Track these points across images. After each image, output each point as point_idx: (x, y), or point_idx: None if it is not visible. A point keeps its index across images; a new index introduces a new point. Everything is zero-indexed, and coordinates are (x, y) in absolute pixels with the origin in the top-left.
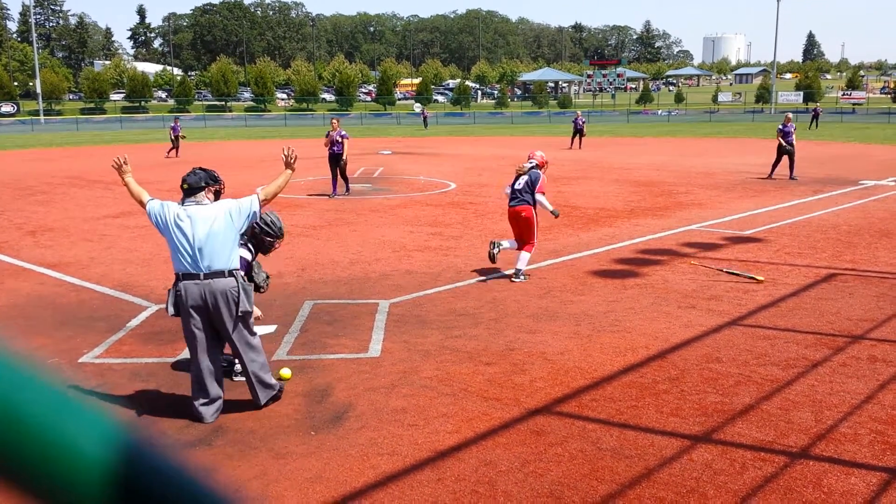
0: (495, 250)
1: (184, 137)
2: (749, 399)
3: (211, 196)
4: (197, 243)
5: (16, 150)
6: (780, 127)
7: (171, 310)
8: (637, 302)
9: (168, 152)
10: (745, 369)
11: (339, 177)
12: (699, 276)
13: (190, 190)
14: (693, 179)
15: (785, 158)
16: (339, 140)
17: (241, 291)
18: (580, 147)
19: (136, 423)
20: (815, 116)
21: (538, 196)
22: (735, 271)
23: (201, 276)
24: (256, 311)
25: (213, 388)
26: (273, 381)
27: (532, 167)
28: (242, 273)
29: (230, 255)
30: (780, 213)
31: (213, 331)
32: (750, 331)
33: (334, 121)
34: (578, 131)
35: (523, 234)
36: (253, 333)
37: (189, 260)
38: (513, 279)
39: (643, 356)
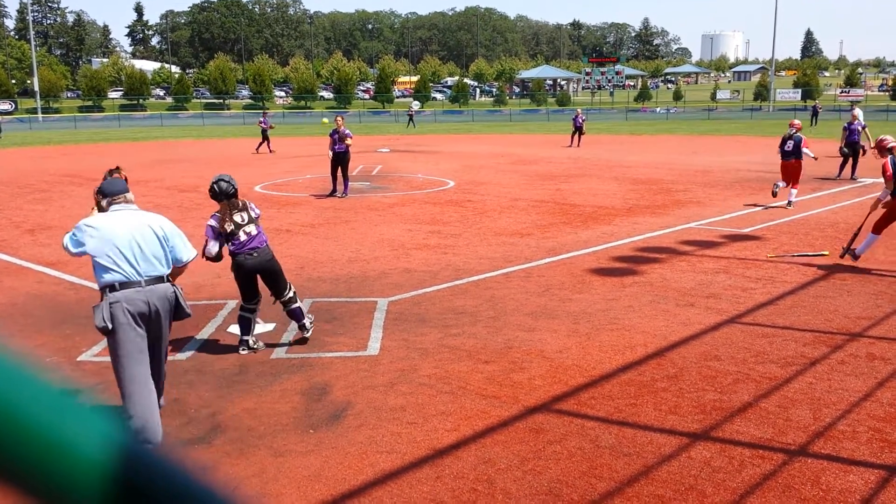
0: (776, 189)
1: (272, 128)
2: (747, 397)
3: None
4: (135, 247)
5: (14, 148)
6: (847, 125)
7: (109, 325)
8: (636, 300)
9: (258, 147)
10: (743, 367)
11: (339, 176)
12: (697, 273)
13: (118, 193)
14: (691, 177)
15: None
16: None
17: (179, 295)
18: (579, 145)
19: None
20: (815, 114)
21: (805, 150)
22: (803, 253)
23: (143, 283)
24: None
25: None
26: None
27: (795, 132)
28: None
29: (166, 260)
30: (779, 211)
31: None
32: (748, 329)
33: (339, 118)
34: (578, 129)
35: (792, 178)
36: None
37: (128, 266)
38: (787, 207)
39: (642, 354)
